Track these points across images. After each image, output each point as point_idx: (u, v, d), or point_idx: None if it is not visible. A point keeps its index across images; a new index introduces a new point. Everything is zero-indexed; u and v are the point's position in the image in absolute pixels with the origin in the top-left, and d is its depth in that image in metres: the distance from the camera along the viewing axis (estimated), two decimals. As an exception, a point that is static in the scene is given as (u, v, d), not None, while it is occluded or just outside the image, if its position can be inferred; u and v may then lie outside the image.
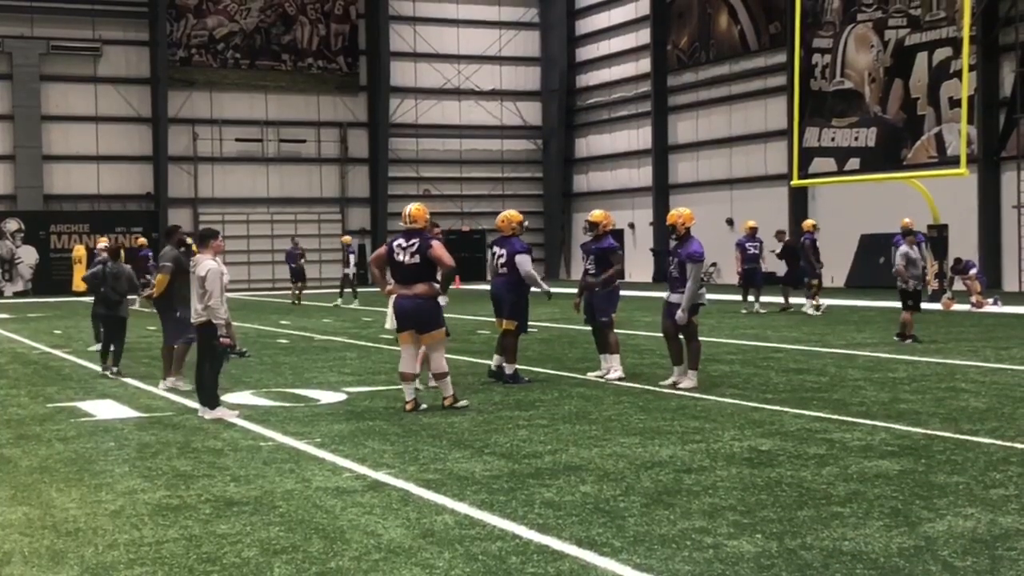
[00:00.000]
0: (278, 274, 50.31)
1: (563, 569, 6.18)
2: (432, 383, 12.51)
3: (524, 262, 14.13)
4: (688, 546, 6.55)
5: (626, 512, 7.38)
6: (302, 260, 35.41)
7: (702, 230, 43.14)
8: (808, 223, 27.61)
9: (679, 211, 13.90)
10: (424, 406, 11.95)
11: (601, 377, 14.42)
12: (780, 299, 27.49)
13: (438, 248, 11.91)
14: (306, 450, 9.81)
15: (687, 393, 12.98)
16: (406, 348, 12.05)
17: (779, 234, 28.98)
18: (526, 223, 15.00)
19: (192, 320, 12.09)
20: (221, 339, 11.79)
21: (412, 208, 12.19)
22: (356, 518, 7.36)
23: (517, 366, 14.35)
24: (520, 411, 11.86)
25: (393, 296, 12.09)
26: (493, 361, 14.49)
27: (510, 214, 14.66)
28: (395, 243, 12.04)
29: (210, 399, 11.86)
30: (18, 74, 46.65)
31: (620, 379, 14.15)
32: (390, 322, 12.64)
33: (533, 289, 14.33)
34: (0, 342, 22.39)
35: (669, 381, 13.71)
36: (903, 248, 19.05)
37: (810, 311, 25.59)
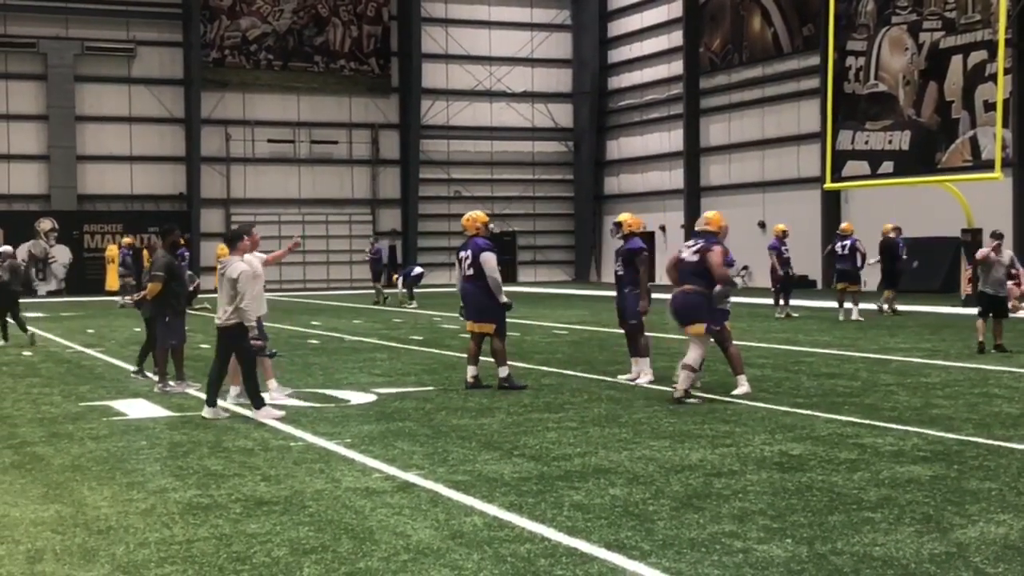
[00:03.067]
0: (309, 275, 50.61)
1: (592, 572, 6.17)
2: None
3: (489, 260, 13.69)
4: (718, 550, 6.53)
5: (655, 516, 7.36)
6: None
7: (734, 233, 42.79)
8: (891, 225, 26.99)
9: (633, 216, 14.60)
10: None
11: (631, 381, 14.37)
12: (872, 306, 26.80)
13: (716, 254, 12.62)
14: (336, 450, 9.84)
15: (718, 397, 12.93)
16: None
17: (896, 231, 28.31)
18: (492, 226, 14.62)
19: (217, 322, 12.12)
20: (253, 341, 11.84)
21: (710, 214, 13.39)
22: (385, 519, 7.37)
23: (509, 366, 14.05)
24: (549, 413, 11.86)
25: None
26: (501, 372, 13.92)
27: (476, 214, 14.32)
28: (685, 244, 13.20)
29: (255, 399, 11.88)
30: (52, 75, 47.02)
31: (650, 383, 14.09)
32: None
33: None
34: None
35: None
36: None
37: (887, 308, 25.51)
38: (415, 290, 34.35)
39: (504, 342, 14.00)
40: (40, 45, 46.97)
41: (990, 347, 17.69)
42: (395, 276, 37.80)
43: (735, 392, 13.09)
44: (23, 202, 47.37)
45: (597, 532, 6.97)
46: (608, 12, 54.59)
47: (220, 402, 12.12)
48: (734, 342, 13.70)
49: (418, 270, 35.30)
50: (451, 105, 53.73)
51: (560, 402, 12.72)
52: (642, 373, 14.34)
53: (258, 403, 11.88)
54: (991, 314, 17.80)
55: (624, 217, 14.70)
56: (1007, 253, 18.12)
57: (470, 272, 13.86)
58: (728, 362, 13.51)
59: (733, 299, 14.15)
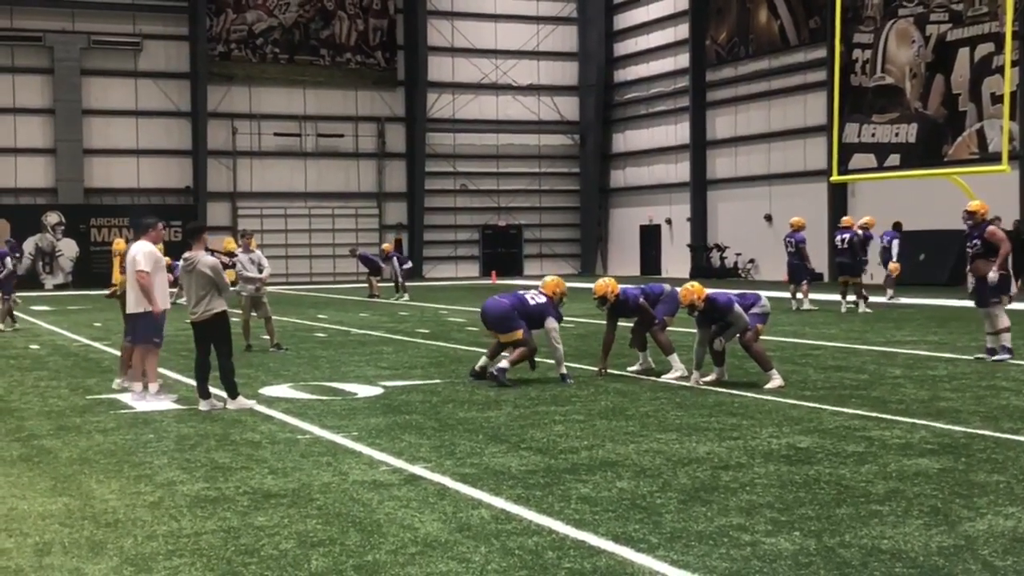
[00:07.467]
0: (315, 268, 50.66)
1: (600, 565, 6.17)
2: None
3: (551, 324, 14.04)
4: (725, 543, 6.52)
5: (663, 508, 7.36)
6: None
7: (740, 226, 42.50)
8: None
9: (605, 282, 14.93)
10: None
11: (649, 373, 14.27)
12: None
13: (992, 231, 15.10)
14: (343, 443, 9.85)
15: (725, 390, 12.93)
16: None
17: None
18: (566, 299, 14.90)
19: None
20: None
21: (973, 204, 15.29)
22: (393, 511, 7.37)
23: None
24: (556, 406, 11.86)
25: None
26: (502, 363, 13.78)
27: (560, 281, 14.82)
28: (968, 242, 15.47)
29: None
30: (59, 68, 47.06)
31: (681, 378, 13.93)
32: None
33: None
34: (41, 334, 22.60)
35: (711, 377, 13.64)
36: None
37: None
38: (406, 283, 34.70)
39: (529, 355, 13.98)
40: (46, 39, 47.02)
41: None
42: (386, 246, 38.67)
43: (768, 384, 13.04)
44: (30, 196, 47.46)
45: (605, 525, 6.97)
46: (614, 5, 54.54)
47: (214, 390, 12.14)
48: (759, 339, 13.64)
49: (408, 263, 36.24)
50: (457, 98, 53.71)
51: (567, 395, 12.71)
52: (673, 368, 14.19)
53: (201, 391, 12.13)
54: None
55: (602, 288, 14.84)
56: None
57: (531, 302, 14.06)
58: (754, 360, 13.42)
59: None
